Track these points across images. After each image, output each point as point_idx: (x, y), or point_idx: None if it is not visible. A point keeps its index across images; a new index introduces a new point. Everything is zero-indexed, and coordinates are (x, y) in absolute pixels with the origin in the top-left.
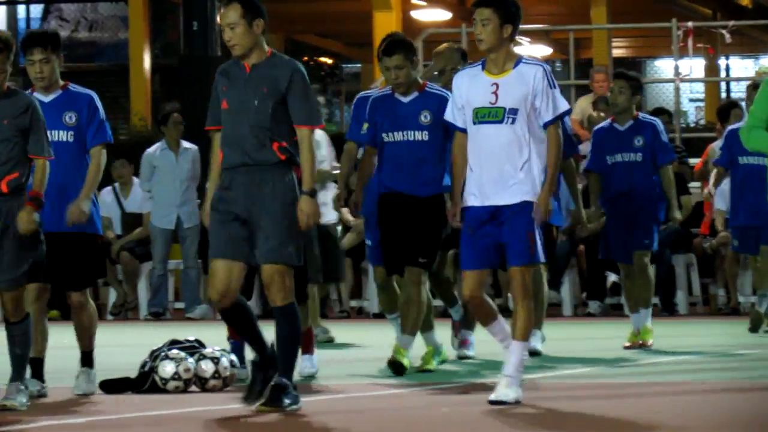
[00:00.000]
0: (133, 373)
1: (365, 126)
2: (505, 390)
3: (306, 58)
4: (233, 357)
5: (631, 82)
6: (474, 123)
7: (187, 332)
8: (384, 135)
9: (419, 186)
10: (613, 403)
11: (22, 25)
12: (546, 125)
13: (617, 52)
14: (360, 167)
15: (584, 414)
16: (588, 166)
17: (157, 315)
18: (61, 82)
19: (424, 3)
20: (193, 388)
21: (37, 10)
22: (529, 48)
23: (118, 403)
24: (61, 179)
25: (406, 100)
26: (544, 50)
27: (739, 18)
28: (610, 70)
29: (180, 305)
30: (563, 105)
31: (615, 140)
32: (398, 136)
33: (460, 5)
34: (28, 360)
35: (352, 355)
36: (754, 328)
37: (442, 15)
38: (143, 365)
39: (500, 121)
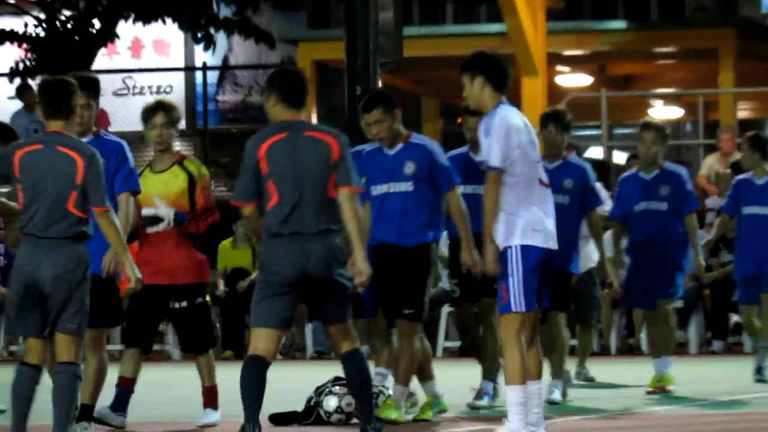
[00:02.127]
0: (300, 408)
1: (363, 180)
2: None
3: (460, 119)
4: (391, 392)
5: (661, 133)
6: None
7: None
8: (372, 188)
9: (406, 236)
10: None
11: (199, 89)
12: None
13: (742, 114)
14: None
15: None
16: (611, 215)
17: (321, 354)
18: (94, 129)
19: (567, 69)
20: (354, 420)
21: (213, 75)
22: (661, 110)
23: None
24: None
25: (391, 152)
26: (676, 112)
27: None
28: (736, 131)
29: None
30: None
31: (641, 189)
32: (384, 188)
33: (601, 71)
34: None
35: None
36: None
37: (584, 80)
38: (309, 400)
39: None
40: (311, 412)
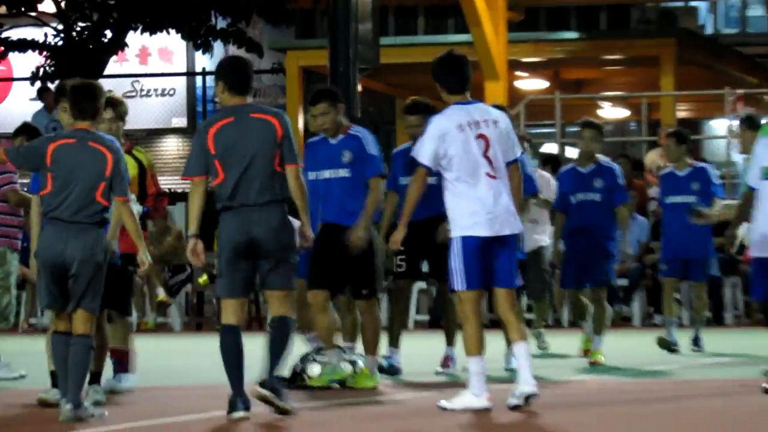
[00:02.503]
0: (287, 374)
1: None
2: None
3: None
4: (366, 360)
5: (599, 131)
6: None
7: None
8: (319, 173)
9: (346, 216)
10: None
11: (199, 92)
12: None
13: (681, 114)
14: None
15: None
16: (554, 206)
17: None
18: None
19: (526, 74)
20: (334, 385)
21: (211, 80)
22: (609, 110)
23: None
24: None
25: (334, 142)
26: (622, 112)
27: None
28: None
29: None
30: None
31: (578, 181)
32: (327, 173)
33: (555, 76)
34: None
35: None
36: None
37: (541, 84)
38: (295, 367)
39: None
40: (295, 378)
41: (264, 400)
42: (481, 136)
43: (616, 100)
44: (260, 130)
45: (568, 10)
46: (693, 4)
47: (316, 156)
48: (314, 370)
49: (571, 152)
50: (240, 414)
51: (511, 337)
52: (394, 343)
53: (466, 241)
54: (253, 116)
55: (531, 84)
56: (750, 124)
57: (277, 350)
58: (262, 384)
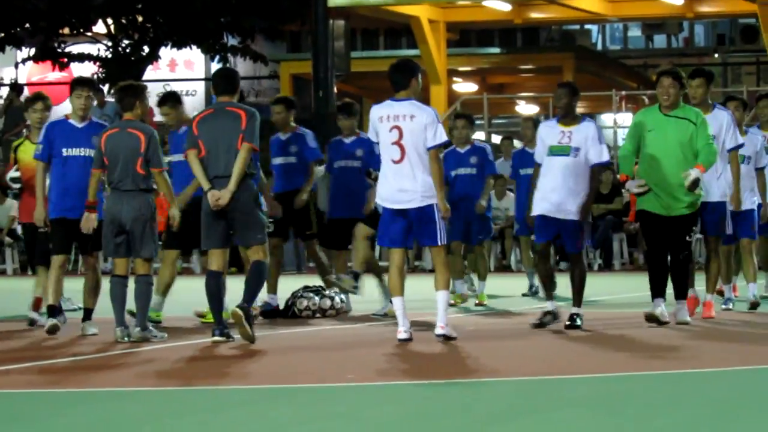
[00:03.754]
0: (281, 307)
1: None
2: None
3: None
4: (342, 296)
5: (470, 120)
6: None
7: (313, 281)
8: (275, 159)
9: (291, 187)
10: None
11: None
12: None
13: (579, 110)
14: None
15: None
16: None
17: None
18: (89, 115)
19: (461, 80)
20: (318, 315)
21: None
22: (524, 107)
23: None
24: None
25: (283, 137)
26: (534, 109)
27: (653, 88)
28: None
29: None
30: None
31: (457, 159)
32: (281, 160)
33: (483, 81)
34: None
35: None
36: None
37: (472, 87)
38: (287, 301)
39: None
40: (288, 310)
41: (236, 317)
42: (396, 128)
43: (529, 99)
44: (230, 120)
45: (493, 31)
46: (587, 27)
47: (274, 147)
48: (304, 303)
49: (496, 139)
50: (216, 338)
51: (435, 285)
52: (271, 289)
53: (383, 210)
54: (228, 109)
55: (465, 87)
56: None
57: (251, 284)
58: (240, 306)
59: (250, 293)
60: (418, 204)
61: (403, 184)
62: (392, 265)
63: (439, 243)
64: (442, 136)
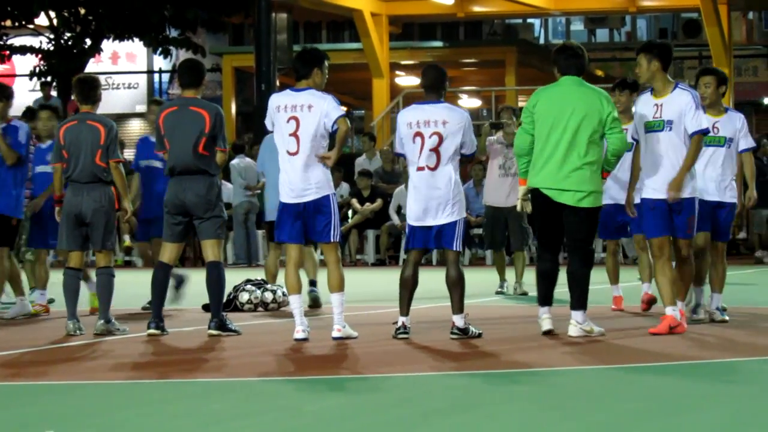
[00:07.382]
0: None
1: None
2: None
3: None
4: (284, 289)
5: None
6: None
7: (256, 275)
8: None
9: None
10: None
11: (156, 86)
12: None
13: (521, 104)
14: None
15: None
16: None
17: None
18: (8, 118)
19: (403, 73)
20: (260, 309)
21: (165, 76)
22: (466, 101)
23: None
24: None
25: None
26: (476, 102)
27: (595, 82)
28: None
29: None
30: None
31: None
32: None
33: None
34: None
35: None
36: None
37: (414, 81)
38: (229, 294)
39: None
40: (230, 303)
41: (214, 335)
42: (293, 118)
43: (471, 93)
44: (192, 120)
45: (435, 25)
46: (530, 20)
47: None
48: (244, 297)
49: None
50: (152, 331)
51: (328, 287)
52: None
53: (281, 205)
54: (191, 108)
55: (407, 81)
56: None
57: (214, 289)
58: (213, 327)
59: (215, 303)
60: (313, 197)
61: (298, 176)
62: (289, 262)
63: (332, 240)
64: (472, 146)
